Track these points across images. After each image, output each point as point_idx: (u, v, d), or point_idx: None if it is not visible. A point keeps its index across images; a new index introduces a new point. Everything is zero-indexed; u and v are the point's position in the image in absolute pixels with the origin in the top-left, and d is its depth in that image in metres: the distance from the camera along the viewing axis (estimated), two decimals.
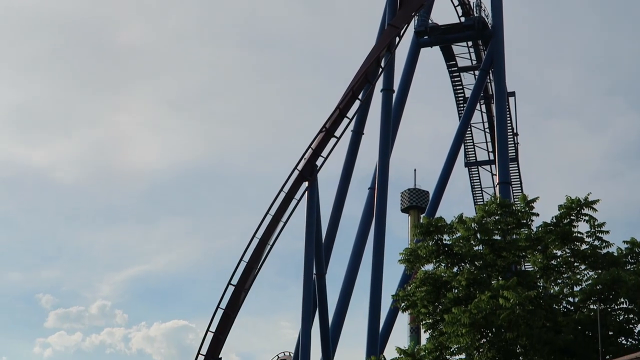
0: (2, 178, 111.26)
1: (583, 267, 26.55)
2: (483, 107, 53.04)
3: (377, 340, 40.14)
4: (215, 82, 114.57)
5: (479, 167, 54.66)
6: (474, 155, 54.48)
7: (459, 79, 53.16)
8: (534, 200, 27.65)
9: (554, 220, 26.91)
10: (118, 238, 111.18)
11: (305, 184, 38.30)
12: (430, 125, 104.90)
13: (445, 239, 27.53)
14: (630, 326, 25.57)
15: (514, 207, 27.95)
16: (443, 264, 27.42)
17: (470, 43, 50.83)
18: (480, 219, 27.36)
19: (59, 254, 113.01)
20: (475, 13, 48.77)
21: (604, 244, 26.50)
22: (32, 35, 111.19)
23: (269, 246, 37.08)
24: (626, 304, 25.54)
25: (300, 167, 38.29)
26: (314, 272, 38.65)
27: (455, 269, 27.26)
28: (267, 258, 37.06)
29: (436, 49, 50.56)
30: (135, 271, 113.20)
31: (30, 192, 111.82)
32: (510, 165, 48.61)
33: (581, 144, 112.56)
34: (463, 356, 25.24)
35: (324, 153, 38.83)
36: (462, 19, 49.32)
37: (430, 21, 48.72)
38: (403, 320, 54.02)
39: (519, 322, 23.70)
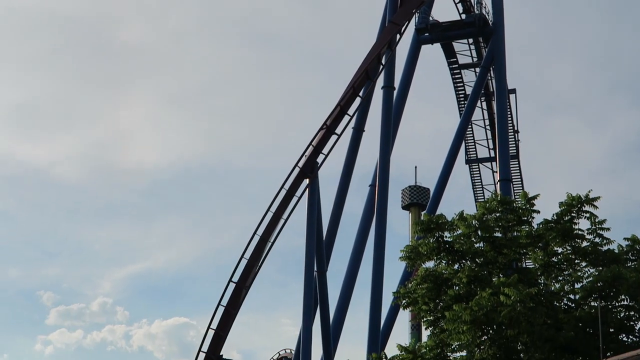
0: (3, 175, 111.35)
1: (584, 264, 26.57)
2: (484, 104, 53.04)
3: (378, 337, 40.14)
4: (216, 79, 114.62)
5: (480, 164, 54.66)
6: (474, 152, 54.50)
7: (459, 76, 53.15)
8: (534, 197, 27.66)
9: (555, 218, 26.92)
10: (119, 235, 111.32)
11: (306, 181, 38.32)
12: (431, 123, 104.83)
13: (446, 236, 27.51)
14: (631, 323, 25.59)
15: (514, 204, 27.95)
16: (444, 261, 27.42)
17: (471, 40, 50.80)
18: (481, 216, 27.36)
19: (60, 250, 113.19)
20: (476, 10, 48.76)
21: (604, 241, 26.51)
22: (33, 33, 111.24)
23: (270, 243, 37.10)
24: (627, 301, 25.55)
25: (301, 164, 38.29)
26: (315, 269, 38.66)
27: (456, 266, 27.25)
28: (268, 255, 37.16)
29: (437, 46, 50.56)
30: (136, 268, 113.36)
31: (31, 189, 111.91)
32: (511, 163, 48.58)
33: (582, 141, 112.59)
34: (464, 353, 25.24)
35: (325, 150, 38.86)
36: (463, 16, 49.29)
37: (431, 18, 48.70)
38: (404, 317, 53.93)
39: (519, 319, 23.70)
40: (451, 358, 25.85)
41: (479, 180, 54.95)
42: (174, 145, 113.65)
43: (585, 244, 26.66)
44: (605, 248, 26.50)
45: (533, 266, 27.30)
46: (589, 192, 26.68)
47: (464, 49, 51.57)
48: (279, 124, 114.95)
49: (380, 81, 43.30)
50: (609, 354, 23.48)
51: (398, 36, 42.42)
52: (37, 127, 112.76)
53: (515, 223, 27.42)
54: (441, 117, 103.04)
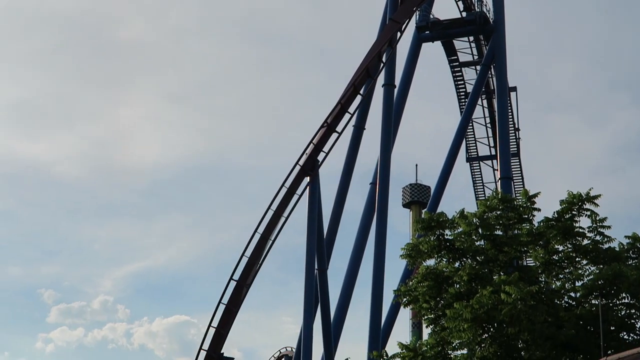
0: (4, 173, 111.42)
1: (585, 262, 26.52)
2: (484, 102, 53.01)
3: (378, 335, 40.16)
4: (216, 77, 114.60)
5: (481, 162, 54.64)
6: (475, 150, 54.48)
7: (460, 74, 53.12)
8: (535, 195, 27.63)
9: (556, 215, 26.89)
10: (120, 233, 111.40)
11: (307, 179, 38.30)
12: (431, 121, 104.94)
13: (446, 234, 27.47)
14: (632, 321, 25.55)
15: (515, 202, 27.94)
16: (445, 259, 27.38)
17: (471, 38, 50.77)
18: (482, 214, 27.33)
19: (60, 249, 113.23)
20: (476, 8, 48.73)
21: (605, 239, 26.45)
22: (33, 31, 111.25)
23: (271, 241, 37.07)
24: (628, 299, 25.50)
25: (301, 162, 38.26)
26: (316, 267, 38.66)
27: (456, 264, 27.22)
28: (269, 253, 37.11)
29: (437, 44, 50.53)
30: (137, 266, 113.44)
31: (32, 187, 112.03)
32: (512, 161, 48.56)
33: (582, 139, 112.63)
34: (465, 351, 25.23)
35: (326, 148, 38.81)
36: (464, 14, 49.27)
37: (431, 16, 48.65)
38: (405, 315, 54.04)
39: (520, 317, 23.68)
40: (452, 356, 25.82)
41: (480, 178, 54.94)
42: (175, 143, 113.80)
43: (586, 242, 26.60)
44: (606, 246, 26.44)
45: (534, 264, 27.27)
46: (590, 190, 26.67)
47: (464, 47, 51.57)
48: (280, 122, 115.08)
49: (380, 79, 43.28)
50: (609, 352, 23.47)
51: (399, 34, 42.38)
52: (38, 125, 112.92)
53: (516, 221, 27.38)
54: (442, 115, 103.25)
